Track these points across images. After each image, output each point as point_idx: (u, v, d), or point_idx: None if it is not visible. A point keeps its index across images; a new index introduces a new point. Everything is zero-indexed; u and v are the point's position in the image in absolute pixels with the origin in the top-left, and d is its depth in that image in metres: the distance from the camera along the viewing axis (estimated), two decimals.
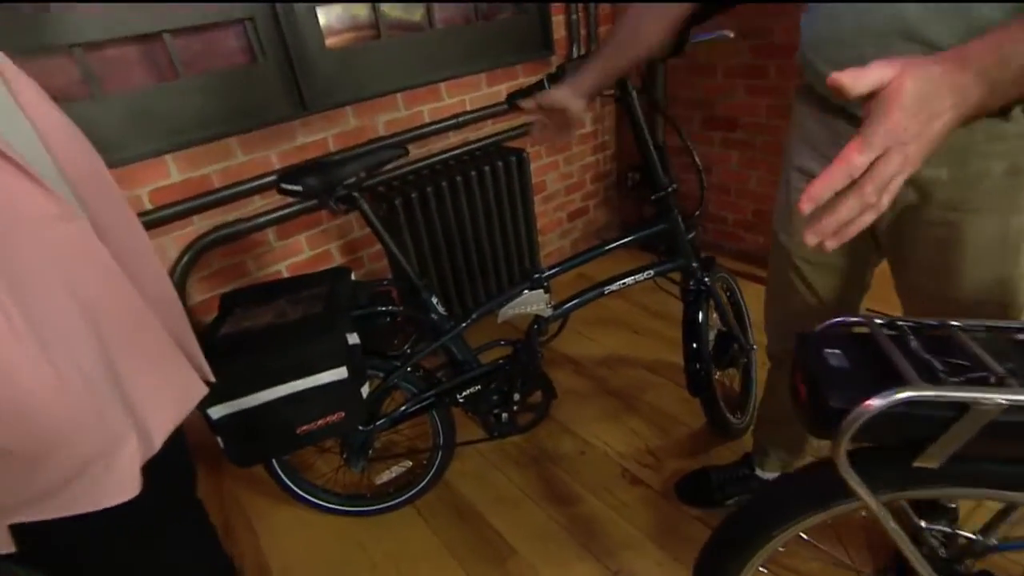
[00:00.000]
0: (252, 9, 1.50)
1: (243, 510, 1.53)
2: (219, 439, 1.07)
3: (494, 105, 2.02)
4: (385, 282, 1.30)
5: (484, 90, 2.01)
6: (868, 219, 0.45)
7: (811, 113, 0.85)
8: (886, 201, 0.45)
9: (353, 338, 1.09)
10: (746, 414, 1.56)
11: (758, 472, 1.32)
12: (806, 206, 0.44)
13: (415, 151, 1.91)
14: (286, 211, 1.66)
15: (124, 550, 0.74)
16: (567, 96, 0.96)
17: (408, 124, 1.85)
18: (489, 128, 2.07)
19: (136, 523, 0.74)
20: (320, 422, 1.10)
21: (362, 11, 1.74)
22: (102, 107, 1.37)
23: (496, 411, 1.38)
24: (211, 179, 1.55)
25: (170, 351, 0.70)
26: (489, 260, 2.05)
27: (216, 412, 1.03)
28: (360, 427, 1.27)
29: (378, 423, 1.29)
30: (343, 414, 1.11)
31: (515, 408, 1.37)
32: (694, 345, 1.32)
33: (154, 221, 1.46)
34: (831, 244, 0.46)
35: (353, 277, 1.28)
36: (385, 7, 1.76)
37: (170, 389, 0.70)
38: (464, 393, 1.33)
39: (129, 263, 0.67)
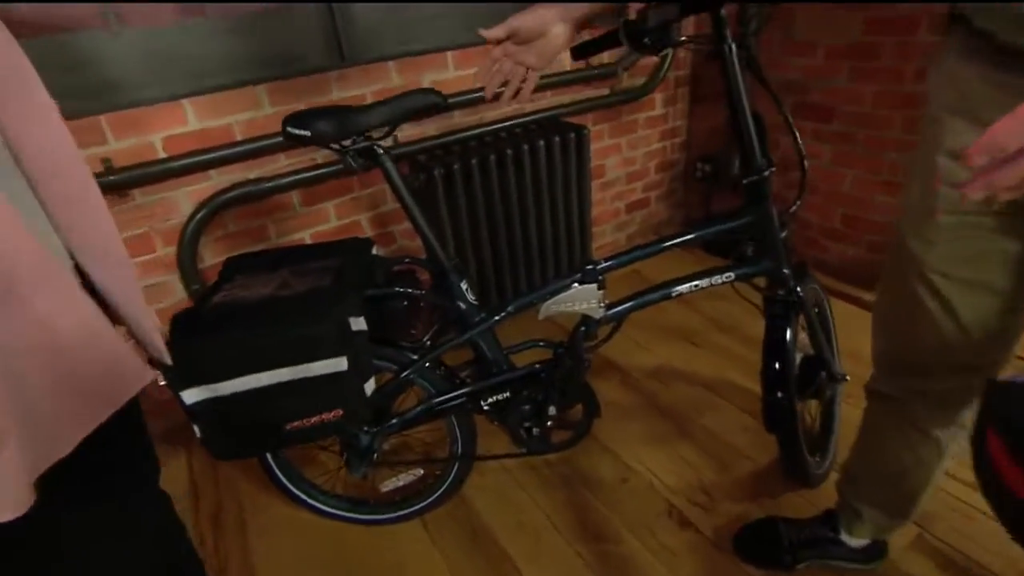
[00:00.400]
0: None
1: (237, 500, 1.38)
2: (195, 427, 0.90)
3: (557, 73, 1.80)
4: (408, 259, 1.10)
5: None
6: None
7: (979, 72, 0.60)
8: None
9: (358, 323, 0.89)
10: (826, 458, 1.29)
11: (844, 537, 1.06)
12: (978, 159, 0.38)
13: (462, 119, 1.71)
14: (314, 173, 1.49)
15: (42, 560, 0.58)
16: (552, 19, 0.78)
17: (457, 87, 1.64)
18: (548, 99, 1.85)
19: (60, 528, 0.58)
20: (313, 419, 0.92)
21: None
22: (118, 41, 1.22)
23: (526, 424, 1.17)
24: (233, 130, 1.39)
25: (94, 323, 0.52)
26: (535, 247, 1.83)
27: (191, 396, 0.86)
28: (363, 428, 1.09)
29: (385, 425, 1.10)
30: (341, 412, 0.92)
31: (549, 424, 1.15)
32: (777, 367, 1.06)
33: (166, 172, 1.32)
34: (1005, 196, 0.40)
35: (375, 252, 1.09)
36: None
37: (90, 377, 0.51)
38: (490, 399, 1.13)
39: (57, 203, 0.50)
